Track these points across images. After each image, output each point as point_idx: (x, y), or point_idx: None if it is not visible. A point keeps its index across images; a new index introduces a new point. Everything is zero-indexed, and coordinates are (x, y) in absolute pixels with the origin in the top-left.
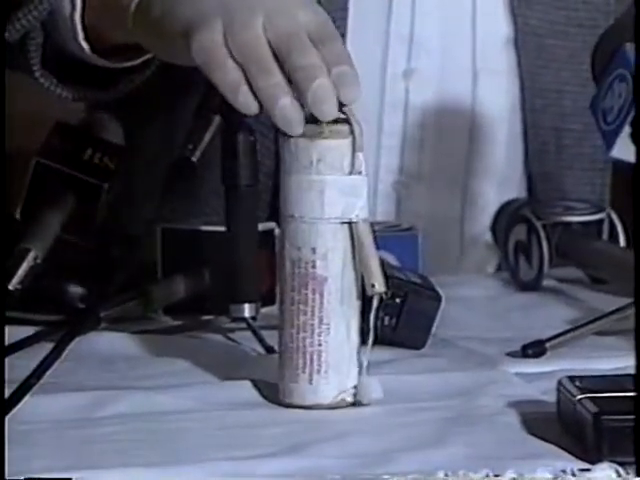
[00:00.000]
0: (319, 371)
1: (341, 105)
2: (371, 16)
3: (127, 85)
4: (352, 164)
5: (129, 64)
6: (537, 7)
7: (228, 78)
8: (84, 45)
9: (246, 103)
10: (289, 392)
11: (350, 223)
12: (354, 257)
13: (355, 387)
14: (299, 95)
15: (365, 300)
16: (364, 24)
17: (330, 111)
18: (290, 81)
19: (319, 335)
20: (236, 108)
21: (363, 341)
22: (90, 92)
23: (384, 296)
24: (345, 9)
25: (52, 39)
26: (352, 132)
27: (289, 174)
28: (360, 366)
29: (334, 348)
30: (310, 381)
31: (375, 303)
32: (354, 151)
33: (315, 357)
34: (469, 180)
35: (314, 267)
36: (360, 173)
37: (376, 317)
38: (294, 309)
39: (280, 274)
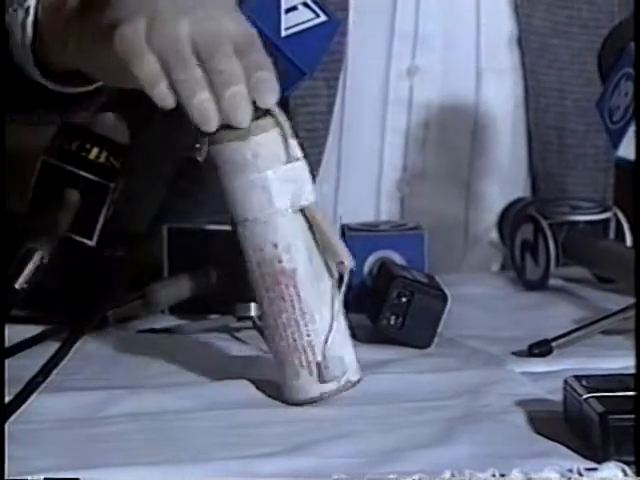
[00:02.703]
0: (317, 361)
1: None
2: (375, 14)
3: (84, 109)
4: (287, 153)
5: (82, 90)
6: (540, 7)
7: (146, 69)
8: (35, 70)
9: (162, 96)
10: (294, 390)
11: (302, 209)
12: (315, 240)
13: (354, 364)
14: (216, 99)
15: (374, 292)
16: (368, 22)
17: (243, 118)
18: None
19: (305, 326)
20: (152, 100)
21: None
22: (44, 116)
23: (353, 269)
24: (345, 9)
25: (9, 61)
26: (278, 122)
27: (228, 179)
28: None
29: (324, 334)
30: (311, 373)
31: (346, 278)
32: (285, 140)
33: (309, 348)
34: (473, 178)
35: (280, 262)
36: (298, 159)
37: (347, 291)
38: (274, 309)
39: (251, 279)
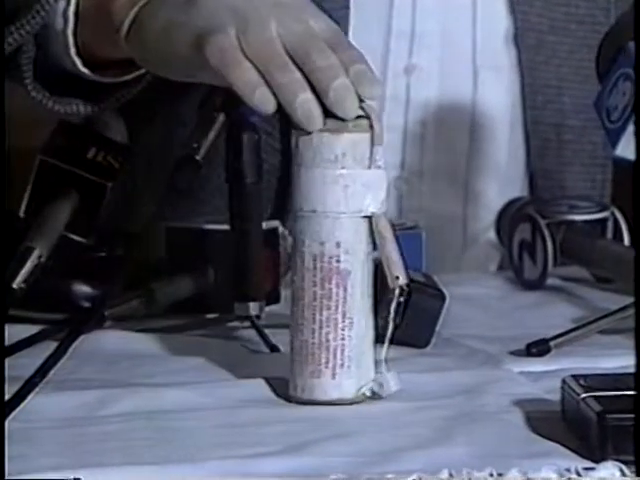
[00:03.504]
0: (342, 366)
1: (360, 101)
2: (372, 12)
3: (119, 100)
4: (372, 158)
5: (122, 79)
6: (537, 3)
7: (245, 76)
8: (76, 60)
9: (263, 100)
10: (309, 388)
11: (371, 217)
12: (373, 251)
13: (373, 381)
14: (320, 95)
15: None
16: (365, 20)
17: (352, 109)
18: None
19: (342, 330)
20: (252, 107)
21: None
22: (82, 106)
23: (405, 289)
24: (347, 7)
25: (45, 52)
26: (371, 126)
27: (310, 168)
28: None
29: (356, 343)
30: (333, 376)
31: (397, 295)
32: (373, 145)
33: (338, 352)
34: (470, 177)
35: (338, 261)
36: (379, 167)
37: (396, 310)
38: (316, 304)
39: (295, 270)
